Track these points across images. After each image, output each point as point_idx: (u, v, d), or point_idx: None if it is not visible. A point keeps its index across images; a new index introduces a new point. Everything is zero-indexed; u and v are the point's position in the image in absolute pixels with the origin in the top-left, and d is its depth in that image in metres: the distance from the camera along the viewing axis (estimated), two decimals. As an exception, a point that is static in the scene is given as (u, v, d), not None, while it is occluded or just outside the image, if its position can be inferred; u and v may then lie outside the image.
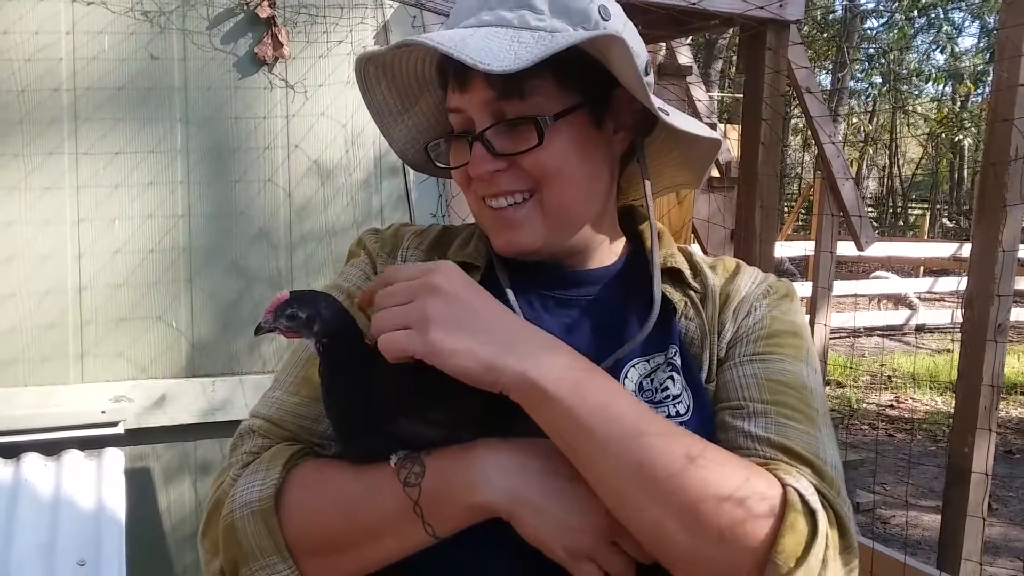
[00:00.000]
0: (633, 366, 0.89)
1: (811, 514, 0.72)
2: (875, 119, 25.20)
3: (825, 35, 20.46)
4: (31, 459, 2.02)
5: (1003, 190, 2.89)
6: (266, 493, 0.81)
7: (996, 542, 4.61)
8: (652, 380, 0.88)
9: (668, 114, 0.90)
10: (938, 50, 19.55)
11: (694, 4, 2.99)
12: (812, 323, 3.94)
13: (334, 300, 0.80)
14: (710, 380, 0.90)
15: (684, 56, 6.03)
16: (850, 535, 0.75)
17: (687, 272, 0.97)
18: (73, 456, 2.07)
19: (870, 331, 10.33)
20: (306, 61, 2.48)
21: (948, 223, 23.80)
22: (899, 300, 10.80)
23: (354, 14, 2.52)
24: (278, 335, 0.78)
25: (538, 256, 0.93)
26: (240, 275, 2.41)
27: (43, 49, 2.24)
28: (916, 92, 23.64)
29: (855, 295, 10.36)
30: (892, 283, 10.99)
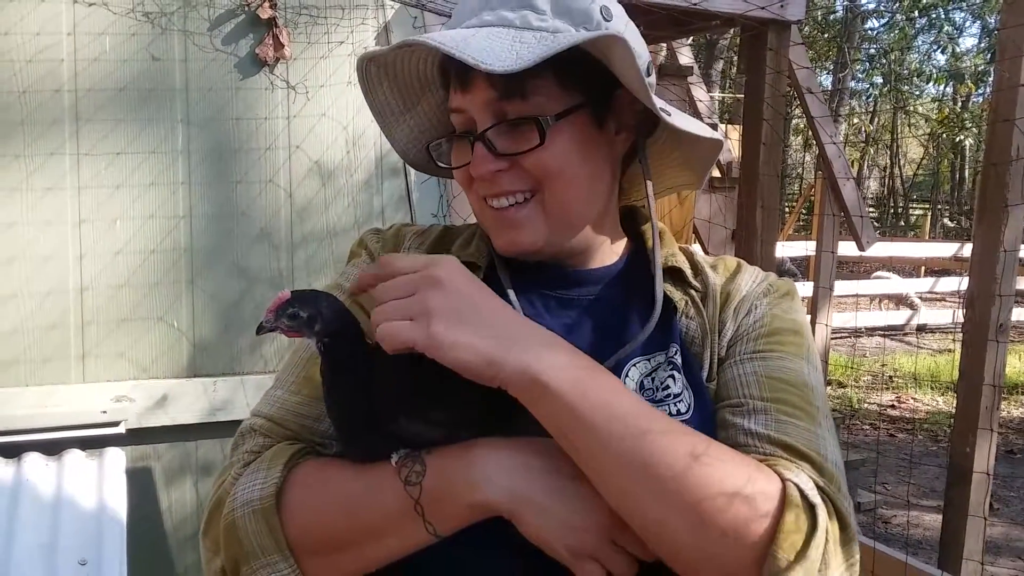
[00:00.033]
0: (634, 365, 0.89)
1: (810, 508, 0.72)
2: (876, 119, 25.20)
3: (826, 35, 20.45)
4: (32, 459, 2.02)
5: (1004, 190, 2.89)
6: (267, 492, 0.81)
7: (997, 542, 4.61)
8: (653, 379, 0.88)
9: (670, 114, 0.90)
10: (939, 50, 19.57)
11: (695, 4, 2.99)
12: (813, 323, 3.94)
13: (335, 300, 0.80)
14: (711, 379, 0.90)
15: (685, 56, 6.03)
16: (851, 529, 0.75)
17: (688, 271, 0.97)
18: (74, 456, 2.07)
19: (871, 331, 10.32)
20: (307, 62, 2.48)
21: (949, 223, 23.79)
22: (900, 300, 10.80)
23: (355, 15, 2.52)
24: (279, 334, 0.78)
25: (539, 256, 0.93)
26: (241, 276, 2.41)
27: (44, 50, 2.24)
28: (917, 92, 23.65)
29: (856, 295, 10.36)
30: (893, 283, 10.99)
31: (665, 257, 0.97)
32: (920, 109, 24.31)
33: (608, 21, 0.88)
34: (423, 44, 0.83)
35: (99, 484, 2.00)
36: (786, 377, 0.86)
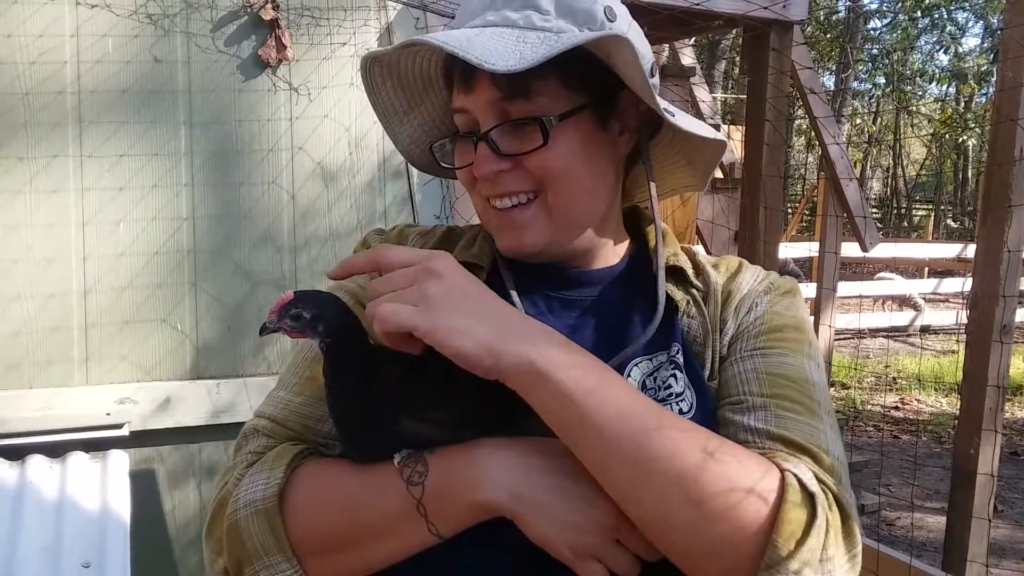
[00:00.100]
0: (636, 364, 0.88)
1: (810, 497, 0.72)
2: (879, 120, 25.18)
3: (829, 36, 20.45)
4: (36, 461, 2.02)
5: (1008, 190, 2.89)
6: (270, 492, 0.81)
7: (1002, 544, 4.60)
8: (655, 378, 0.88)
9: (674, 115, 0.90)
10: (942, 50, 19.55)
11: (697, 4, 2.99)
12: (817, 324, 3.93)
13: (338, 300, 0.81)
14: (712, 378, 0.90)
15: (687, 57, 6.03)
16: (851, 521, 0.75)
17: (690, 271, 0.97)
18: (78, 458, 2.07)
19: (875, 332, 10.31)
20: (310, 63, 2.49)
21: (952, 224, 23.76)
22: (904, 301, 10.79)
23: (357, 16, 2.53)
24: (282, 335, 0.78)
25: (543, 257, 0.93)
26: (244, 277, 2.41)
27: (47, 52, 2.24)
28: (920, 93, 23.62)
29: (860, 296, 10.33)
30: (897, 284, 10.98)
31: (667, 257, 0.96)
32: (923, 109, 24.29)
33: (612, 21, 0.87)
34: (427, 44, 0.83)
35: (103, 486, 2.00)
36: (786, 373, 0.86)
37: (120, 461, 2.10)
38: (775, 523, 0.71)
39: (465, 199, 2.28)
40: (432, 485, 0.77)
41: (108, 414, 2.21)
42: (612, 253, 0.98)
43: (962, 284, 10.73)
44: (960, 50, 19.86)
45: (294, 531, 0.81)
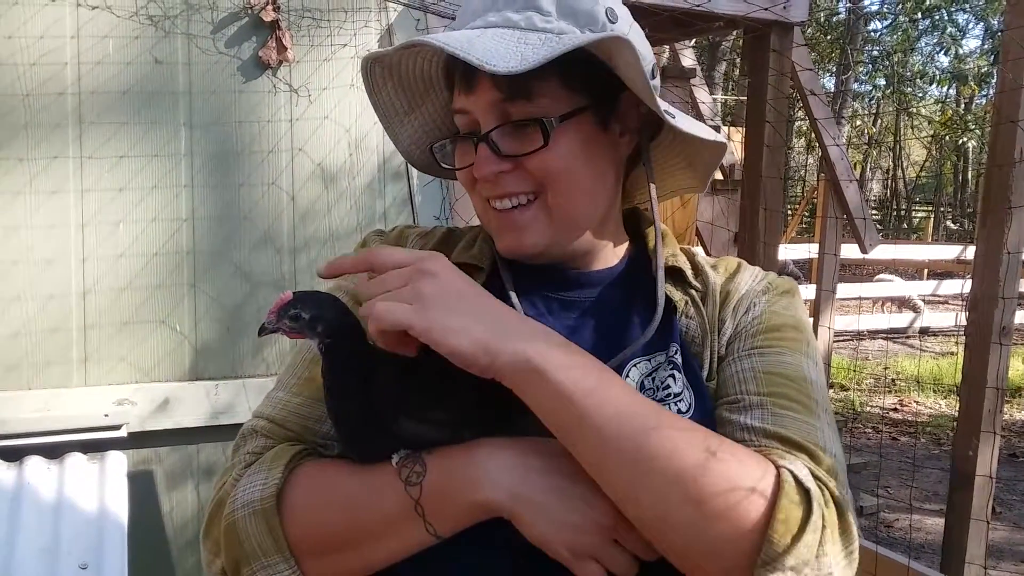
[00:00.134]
0: (635, 365, 0.88)
1: (805, 493, 0.72)
2: (879, 121, 25.19)
3: (829, 37, 20.44)
4: (34, 462, 2.02)
5: (1008, 192, 2.89)
6: (268, 493, 0.81)
7: (1000, 546, 4.59)
8: (653, 379, 0.88)
9: (674, 117, 0.90)
10: (942, 52, 19.56)
11: (698, 6, 2.99)
12: (816, 326, 3.93)
13: (337, 301, 0.81)
14: (711, 378, 0.90)
15: (688, 58, 6.03)
16: (848, 518, 0.75)
17: (688, 271, 0.97)
18: (76, 459, 2.07)
19: (874, 334, 10.31)
20: (310, 65, 2.49)
21: (952, 225, 23.77)
22: (903, 303, 10.78)
23: (358, 18, 2.53)
24: (281, 336, 0.78)
25: (542, 258, 0.93)
26: (244, 279, 2.41)
27: (48, 53, 2.24)
28: (920, 94, 23.63)
29: (859, 298, 10.33)
30: (896, 286, 10.98)
31: (666, 257, 0.96)
32: (923, 111, 24.30)
33: (613, 23, 0.88)
34: (428, 44, 0.83)
35: (100, 488, 1.99)
36: (784, 371, 0.86)
37: (118, 462, 2.10)
38: (770, 520, 0.71)
39: (465, 200, 2.28)
40: (430, 485, 0.78)
41: (106, 415, 2.21)
42: (612, 254, 0.98)
43: (961, 286, 10.73)
44: (960, 52, 19.88)
45: (292, 531, 0.80)
